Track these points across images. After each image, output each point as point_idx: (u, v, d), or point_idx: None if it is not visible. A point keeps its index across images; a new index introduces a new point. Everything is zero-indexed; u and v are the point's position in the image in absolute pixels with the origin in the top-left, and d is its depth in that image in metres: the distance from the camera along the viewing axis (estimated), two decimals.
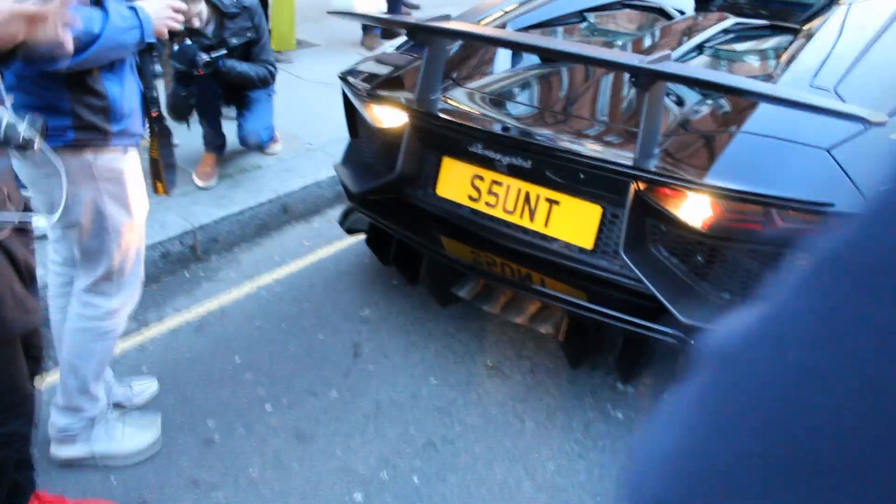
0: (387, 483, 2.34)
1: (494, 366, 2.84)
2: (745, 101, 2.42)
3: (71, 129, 1.83)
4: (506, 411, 2.63)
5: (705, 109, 2.53)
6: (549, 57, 2.96)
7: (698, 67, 2.79)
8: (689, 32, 3.24)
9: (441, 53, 2.66)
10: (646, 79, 2.15)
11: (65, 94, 1.80)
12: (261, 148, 4.22)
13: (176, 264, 3.46)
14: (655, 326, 2.27)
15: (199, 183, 3.92)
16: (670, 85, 2.62)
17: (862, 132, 2.15)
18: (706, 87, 2.43)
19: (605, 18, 3.62)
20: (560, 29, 3.44)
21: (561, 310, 2.50)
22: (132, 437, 2.39)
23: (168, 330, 3.05)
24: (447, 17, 2.72)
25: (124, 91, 1.91)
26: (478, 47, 3.10)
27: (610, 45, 3.31)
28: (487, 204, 2.57)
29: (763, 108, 2.32)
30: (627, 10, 3.72)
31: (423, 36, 2.65)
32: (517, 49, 3.00)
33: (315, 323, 3.10)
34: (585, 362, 2.73)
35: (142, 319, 3.10)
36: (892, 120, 2.28)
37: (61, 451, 2.33)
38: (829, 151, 2.12)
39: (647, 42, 3.25)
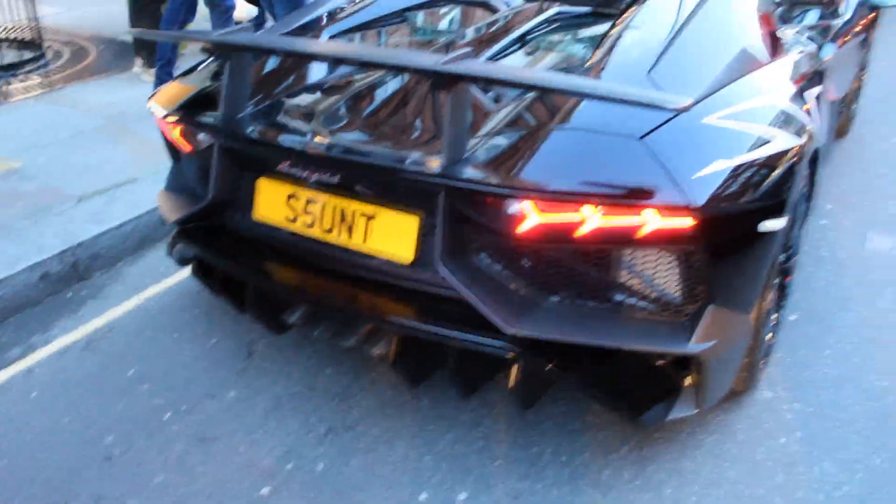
0: (293, 473, 2.40)
1: (385, 352, 2.93)
2: (558, 96, 2.35)
3: None
4: (401, 392, 2.72)
5: (520, 107, 2.42)
6: (350, 64, 2.81)
7: (498, 65, 2.67)
8: (512, 25, 3.18)
9: (244, 68, 2.53)
10: (442, 81, 2.07)
11: None
12: None
13: (57, 284, 3.40)
14: (485, 340, 2.18)
15: None
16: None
17: (673, 118, 2.15)
18: (503, 85, 2.35)
19: (427, 16, 3.56)
20: (380, 31, 3.37)
21: (390, 330, 2.39)
22: None
23: (55, 351, 3.01)
24: (249, 26, 2.64)
25: None
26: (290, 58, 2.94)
27: (429, 44, 3.24)
28: (305, 224, 2.44)
29: (577, 102, 2.30)
30: (451, 7, 3.64)
31: (219, 50, 2.53)
32: (310, 59, 2.87)
33: (207, 328, 3.11)
34: (424, 381, 2.57)
35: (26, 344, 3.05)
36: (706, 102, 2.33)
37: None
38: (641, 140, 2.10)
39: (468, 38, 3.17)
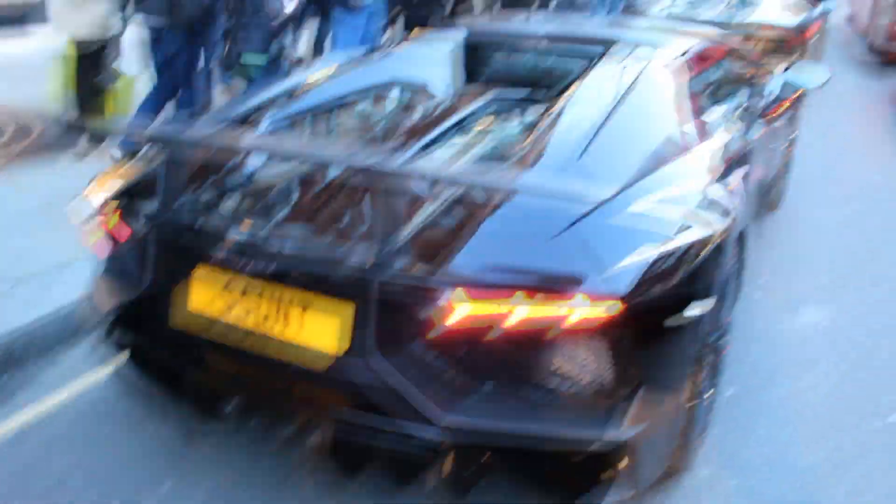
0: None
1: (322, 442, 2.90)
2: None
3: None
4: (340, 480, 2.68)
5: (451, 197, 2.44)
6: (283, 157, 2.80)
7: (424, 162, 2.70)
8: (452, 110, 3.26)
9: (180, 159, 2.56)
10: (370, 177, 2.17)
11: None
12: None
13: None
14: (418, 430, 2.16)
15: None
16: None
17: (599, 206, 2.24)
18: (429, 180, 2.39)
19: (369, 103, 3.58)
20: (320, 118, 3.39)
21: (323, 421, 2.35)
22: None
23: None
24: (190, 123, 2.67)
25: None
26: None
27: (369, 130, 3.29)
28: (240, 314, 2.40)
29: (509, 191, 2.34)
30: (392, 92, 3.67)
31: (155, 143, 2.59)
32: (242, 153, 2.85)
33: (144, 416, 3.05)
34: (360, 470, 2.54)
35: None
36: (632, 189, 2.43)
37: None
38: (567, 229, 2.19)
39: (408, 124, 3.23)
